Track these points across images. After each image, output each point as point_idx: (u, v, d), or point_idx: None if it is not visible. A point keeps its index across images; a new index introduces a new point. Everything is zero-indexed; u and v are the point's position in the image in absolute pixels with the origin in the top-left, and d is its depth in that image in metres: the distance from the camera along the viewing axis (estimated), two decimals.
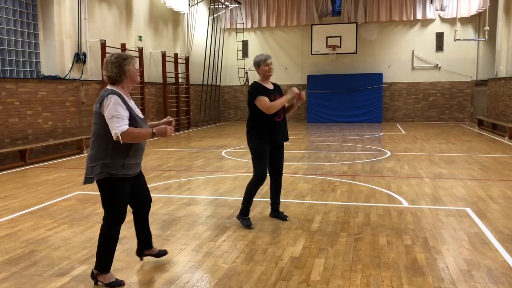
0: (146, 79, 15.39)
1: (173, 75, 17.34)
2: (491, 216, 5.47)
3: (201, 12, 19.93)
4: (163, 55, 16.35)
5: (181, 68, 18.22)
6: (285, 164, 9.39)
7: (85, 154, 10.99)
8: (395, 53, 20.51)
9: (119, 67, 3.56)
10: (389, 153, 10.77)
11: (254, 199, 5.22)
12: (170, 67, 17.04)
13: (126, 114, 3.46)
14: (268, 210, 5.62)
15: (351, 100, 20.55)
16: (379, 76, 20.41)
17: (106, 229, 3.63)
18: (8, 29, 10.53)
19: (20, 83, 10.18)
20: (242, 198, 5.20)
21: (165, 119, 3.94)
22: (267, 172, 5.19)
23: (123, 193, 3.61)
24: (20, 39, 10.91)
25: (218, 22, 21.08)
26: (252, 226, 5.06)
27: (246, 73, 21.30)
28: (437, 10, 19.75)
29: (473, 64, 19.85)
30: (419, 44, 20.21)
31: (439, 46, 20.09)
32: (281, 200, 5.53)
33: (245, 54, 21.81)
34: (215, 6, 20.49)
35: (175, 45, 18.21)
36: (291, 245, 4.52)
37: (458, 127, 17.75)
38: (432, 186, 7.20)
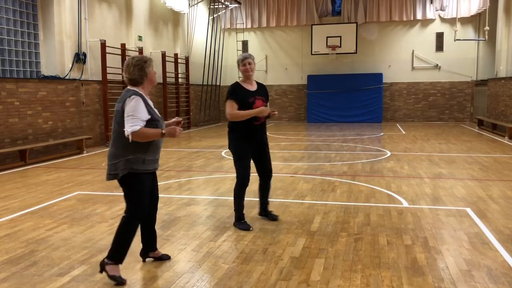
0: None
1: (173, 75, 17.34)
2: (491, 216, 5.47)
3: (201, 12, 19.93)
4: (163, 55, 16.35)
5: (181, 68, 18.22)
6: (285, 164, 9.48)
7: (85, 154, 11.01)
8: (395, 53, 20.51)
9: (140, 69, 3.67)
10: (389, 153, 10.77)
11: (253, 199, 5.20)
12: (170, 67, 17.03)
13: (145, 116, 3.58)
14: None
15: (351, 100, 20.54)
16: (379, 76, 20.40)
17: (126, 221, 3.72)
18: (8, 29, 10.53)
19: (20, 83, 10.19)
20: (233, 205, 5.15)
21: (174, 119, 3.96)
22: (250, 173, 5.05)
23: (145, 187, 3.73)
24: (20, 39, 10.91)
25: (218, 22, 21.08)
26: (251, 229, 4.99)
27: None
28: (437, 10, 19.74)
29: (473, 64, 19.85)
30: (419, 44, 20.20)
31: (439, 46, 20.08)
32: (281, 200, 5.52)
33: None
34: (215, 6, 20.50)
35: (175, 45, 18.21)
36: (291, 245, 4.52)
37: (458, 127, 17.75)
38: (432, 186, 7.20)
